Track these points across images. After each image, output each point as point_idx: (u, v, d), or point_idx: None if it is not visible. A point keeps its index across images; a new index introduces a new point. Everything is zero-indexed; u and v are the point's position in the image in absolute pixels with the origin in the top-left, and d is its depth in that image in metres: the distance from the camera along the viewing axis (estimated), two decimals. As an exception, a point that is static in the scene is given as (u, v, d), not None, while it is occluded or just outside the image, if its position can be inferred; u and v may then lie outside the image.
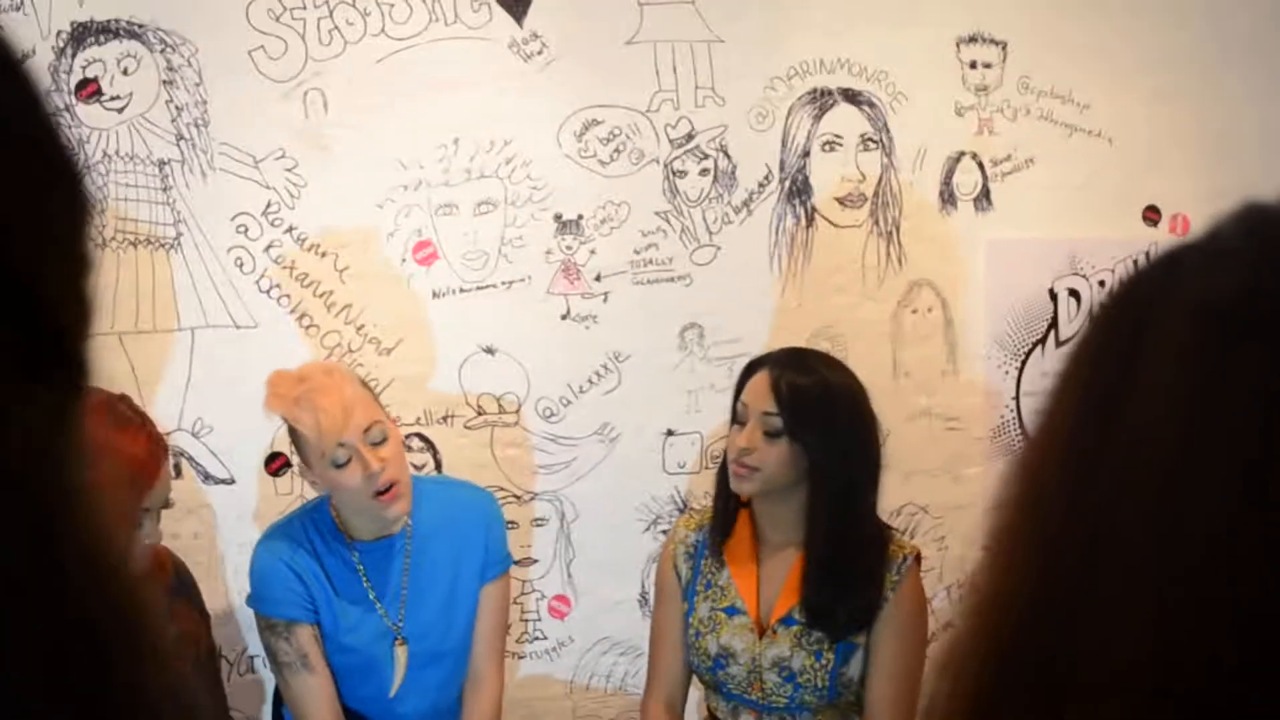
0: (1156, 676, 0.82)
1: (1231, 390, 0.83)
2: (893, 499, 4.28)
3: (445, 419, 4.07)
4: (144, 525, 2.75)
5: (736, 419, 3.20)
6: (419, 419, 4.07)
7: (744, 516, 3.31)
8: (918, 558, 3.26)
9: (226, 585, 3.94)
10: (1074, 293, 4.47)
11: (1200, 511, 0.82)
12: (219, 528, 3.96)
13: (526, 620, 4.21)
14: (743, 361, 3.32)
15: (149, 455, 2.78)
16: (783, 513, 3.21)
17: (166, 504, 2.85)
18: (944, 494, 4.34)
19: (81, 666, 0.73)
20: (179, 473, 3.87)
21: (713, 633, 3.22)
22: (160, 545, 3.03)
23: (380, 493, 3.13)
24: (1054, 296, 4.46)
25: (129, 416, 2.78)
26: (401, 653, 3.30)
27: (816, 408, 3.13)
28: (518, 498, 4.10)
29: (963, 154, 4.42)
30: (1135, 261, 1.00)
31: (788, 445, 3.11)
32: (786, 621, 3.17)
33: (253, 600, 3.29)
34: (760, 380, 3.17)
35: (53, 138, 0.77)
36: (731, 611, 3.23)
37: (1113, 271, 4.45)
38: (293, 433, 3.20)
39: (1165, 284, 0.91)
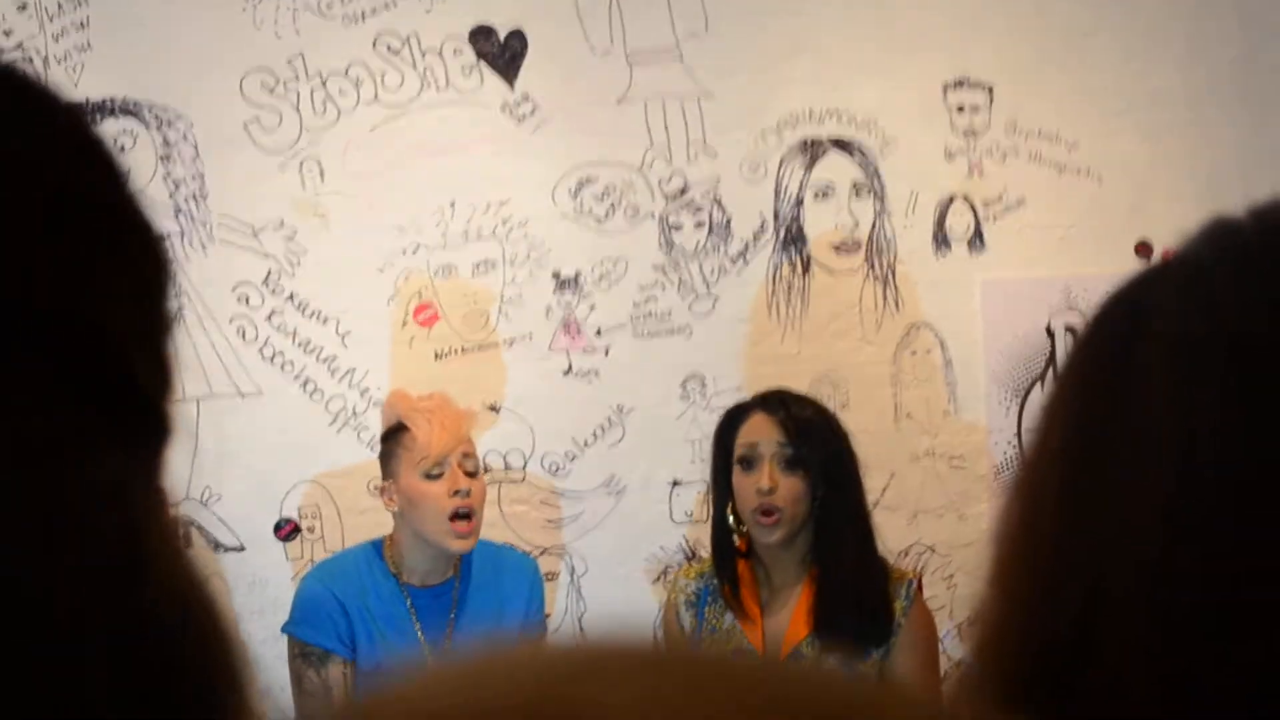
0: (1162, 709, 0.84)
1: (1217, 426, 0.83)
2: (900, 539, 4.29)
3: (452, 479, 4.10)
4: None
5: (742, 464, 3.22)
6: (426, 480, 4.09)
7: (743, 566, 3.33)
8: (919, 583, 3.29)
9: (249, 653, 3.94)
10: (1070, 329, 4.49)
11: (1195, 547, 0.82)
12: (232, 596, 3.97)
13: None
14: (745, 411, 3.35)
15: None
16: (791, 554, 3.24)
17: None
18: (950, 533, 4.35)
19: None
20: (189, 543, 3.89)
21: None
22: None
23: (458, 517, 3.22)
24: (1051, 334, 4.48)
25: None
26: None
27: (823, 437, 3.18)
28: (529, 553, 4.12)
29: (954, 197, 4.45)
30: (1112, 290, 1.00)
31: (802, 479, 3.14)
32: (795, 657, 3.18)
33: (291, 624, 3.32)
34: (761, 420, 3.20)
35: (131, 202, 0.79)
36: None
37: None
38: (390, 442, 3.32)
39: (1139, 317, 0.91)
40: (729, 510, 3.30)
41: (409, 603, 3.33)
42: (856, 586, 3.18)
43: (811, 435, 3.18)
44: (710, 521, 3.42)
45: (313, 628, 3.27)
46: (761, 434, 3.19)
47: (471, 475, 3.30)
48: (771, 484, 3.15)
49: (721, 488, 3.32)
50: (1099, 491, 0.88)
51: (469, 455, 3.32)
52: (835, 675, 0.49)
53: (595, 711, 0.45)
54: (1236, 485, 0.82)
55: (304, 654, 3.27)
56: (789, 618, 3.23)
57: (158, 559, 0.74)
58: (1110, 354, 0.92)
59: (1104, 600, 0.85)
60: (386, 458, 3.35)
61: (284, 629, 3.34)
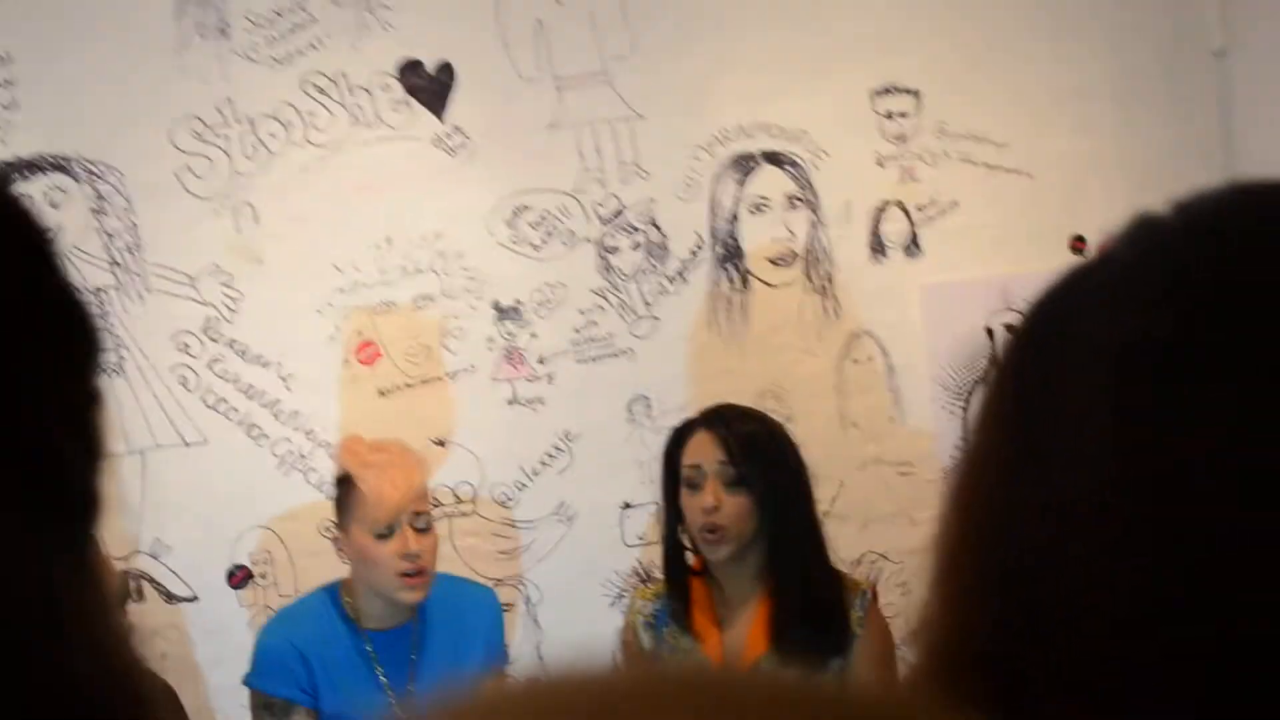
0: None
1: (1143, 435, 0.83)
2: (852, 548, 4.30)
3: (403, 514, 4.10)
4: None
5: (687, 485, 3.24)
6: (377, 517, 4.09)
7: (697, 584, 3.35)
8: (874, 592, 3.31)
9: (200, 702, 3.94)
10: (1009, 328, 4.51)
11: (1120, 551, 0.82)
12: (189, 645, 3.97)
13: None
14: (690, 429, 3.37)
15: None
16: (743, 570, 3.25)
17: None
18: (902, 539, 4.36)
19: None
20: (141, 595, 3.89)
21: None
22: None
23: (408, 575, 3.21)
24: (991, 334, 4.51)
25: None
26: None
27: (767, 451, 3.20)
28: (485, 586, 4.13)
29: (888, 203, 4.47)
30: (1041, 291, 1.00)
31: (747, 495, 3.15)
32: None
33: (252, 676, 3.31)
34: (703, 439, 3.22)
35: (52, 276, 0.80)
36: (700, 674, 3.25)
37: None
38: (343, 493, 3.30)
39: (1067, 319, 0.91)
40: (680, 529, 3.32)
41: (369, 647, 3.32)
42: (810, 599, 3.20)
43: (754, 451, 3.20)
44: (662, 541, 3.43)
45: (273, 679, 3.26)
46: (704, 454, 3.21)
47: (423, 531, 3.29)
48: (715, 503, 3.16)
49: (671, 507, 3.34)
50: (1028, 495, 0.88)
51: (420, 513, 3.30)
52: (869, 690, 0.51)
53: None
54: (1163, 488, 0.82)
55: (266, 705, 3.27)
56: (746, 633, 3.25)
57: (79, 629, 0.76)
58: (1039, 357, 0.93)
59: (1030, 605, 0.86)
60: (339, 508, 3.34)
61: (245, 681, 3.33)
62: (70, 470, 0.79)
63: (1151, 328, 0.86)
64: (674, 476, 3.31)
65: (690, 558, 3.37)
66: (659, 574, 3.79)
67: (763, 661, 3.18)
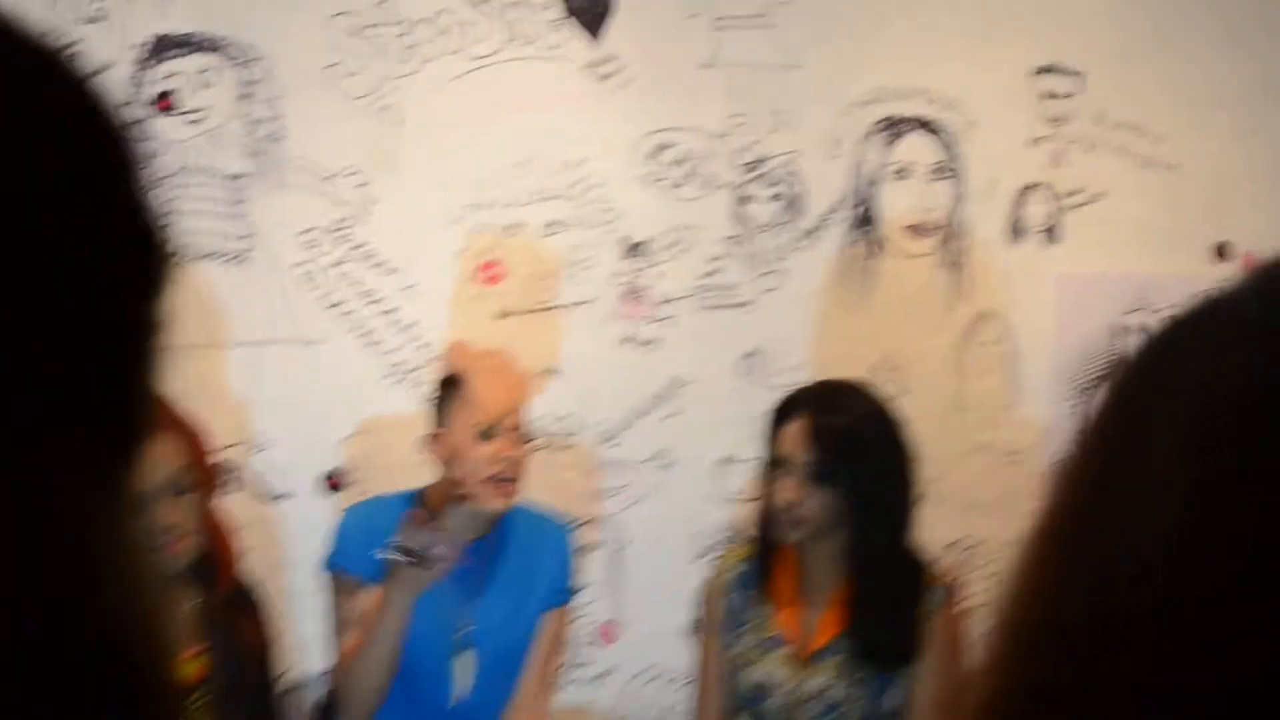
0: None
1: (1231, 480, 0.80)
2: (949, 532, 4.28)
3: (504, 438, 4.10)
4: (150, 508, 2.81)
5: (777, 466, 3.21)
6: (478, 436, 4.10)
7: (784, 553, 3.33)
8: (951, 590, 3.28)
9: (287, 603, 3.98)
10: (1142, 329, 4.43)
11: (1198, 598, 0.80)
12: (277, 543, 4.01)
13: (572, 646, 4.24)
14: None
15: None
16: (825, 552, 3.23)
17: (177, 478, 2.89)
18: (1001, 529, 4.32)
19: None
20: (238, 487, 3.92)
21: (754, 664, 3.25)
22: (231, 558, 3.13)
23: (499, 480, 3.23)
24: (1122, 332, 4.43)
25: None
26: (462, 658, 3.35)
27: (855, 449, 3.15)
28: (565, 520, 4.12)
29: (1035, 185, 4.39)
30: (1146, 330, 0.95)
31: (831, 490, 3.13)
32: (827, 652, 3.20)
33: (328, 555, 3.35)
34: (796, 429, 3.17)
35: (134, 196, 0.78)
36: (773, 644, 3.26)
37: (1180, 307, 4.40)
38: (444, 394, 3.32)
39: (1170, 360, 0.88)
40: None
41: None
42: (886, 595, 3.19)
43: (847, 449, 3.14)
44: (759, 505, 3.41)
45: (348, 557, 3.31)
46: (794, 446, 3.16)
47: (521, 444, 3.31)
48: (796, 498, 3.14)
49: (769, 475, 3.32)
50: (1101, 548, 0.86)
51: (519, 425, 3.32)
52: None
53: None
54: (1240, 533, 0.79)
55: (340, 583, 3.31)
56: (821, 614, 3.24)
57: (109, 568, 0.76)
58: (1128, 411, 0.90)
59: (1106, 637, 0.84)
60: (439, 407, 3.35)
61: (322, 564, 3.38)
62: (121, 399, 0.78)
63: (1254, 379, 0.82)
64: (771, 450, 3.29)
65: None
66: (751, 532, 3.78)
67: (832, 644, 3.19)
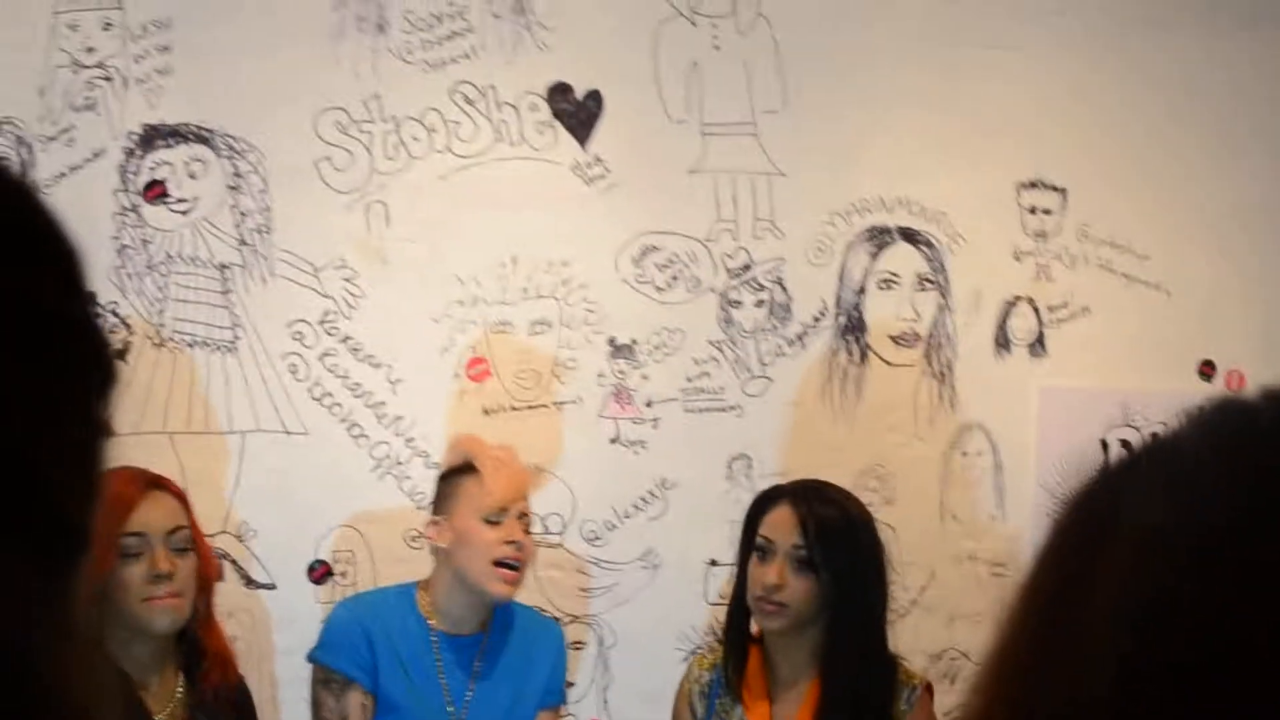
0: None
1: (1170, 626, 0.80)
2: (935, 642, 4.24)
3: (490, 536, 4.07)
4: (143, 553, 2.88)
5: (759, 553, 3.20)
6: (463, 535, 4.06)
7: (755, 652, 3.32)
8: (928, 687, 3.28)
9: (264, 691, 3.90)
10: (1125, 444, 4.44)
11: None
12: (259, 632, 3.95)
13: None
14: (789, 496, 3.32)
15: (130, 480, 2.94)
16: (799, 646, 3.24)
17: (175, 533, 2.96)
18: (986, 640, 4.28)
19: None
20: (220, 576, 3.86)
21: None
22: (228, 649, 3.19)
23: (505, 566, 3.25)
24: (1106, 446, 4.43)
25: (124, 467, 2.93)
26: None
27: (843, 540, 3.19)
28: (557, 620, 4.07)
29: (1019, 299, 4.41)
30: (1096, 467, 0.96)
31: (814, 579, 3.12)
32: None
33: (316, 649, 3.33)
34: (783, 514, 3.20)
35: (76, 306, 0.77)
36: (745, 745, 3.24)
37: (1164, 424, 4.41)
38: (449, 483, 3.36)
39: (1117, 503, 0.87)
40: (746, 594, 3.29)
41: (436, 648, 3.33)
42: (855, 694, 3.17)
43: (831, 538, 3.18)
44: (728, 603, 3.39)
45: (337, 654, 3.30)
46: (780, 530, 3.20)
47: (526, 533, 3.34)
48: (780, 582, 3.15)
49: (742, 570, 3.32)
50: (1055, 664, 0.86)
51: (526, 514, 3.36)
52: None
53: None
54: (1186, 672, 0.79)
55: (326, 680, 3.32)
56: (794, 711, 3.24)
57: (47, 670, 0.74)
58: (1083, 539, 0.89)
59: None
60: (443, 496, 3.38)
61: (309, 655, 3.36)
62: (63, 506, 0.76)
63: (1203, 518, 0.82)
64: (750, 541, 3.28)
65: (754, 625, 3.34)
66: (723, 632, 3.76)
67: None
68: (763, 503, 3.30)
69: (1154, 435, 0.92)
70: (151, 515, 2.92)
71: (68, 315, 0.76)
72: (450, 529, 3.31)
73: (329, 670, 3.29)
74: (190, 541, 3.00)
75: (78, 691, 0.76)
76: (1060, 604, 0.87)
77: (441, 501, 3.37)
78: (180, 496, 3.06)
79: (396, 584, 3.52)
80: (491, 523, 3.26)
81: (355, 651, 3.28)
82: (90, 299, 0.78)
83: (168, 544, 2.92)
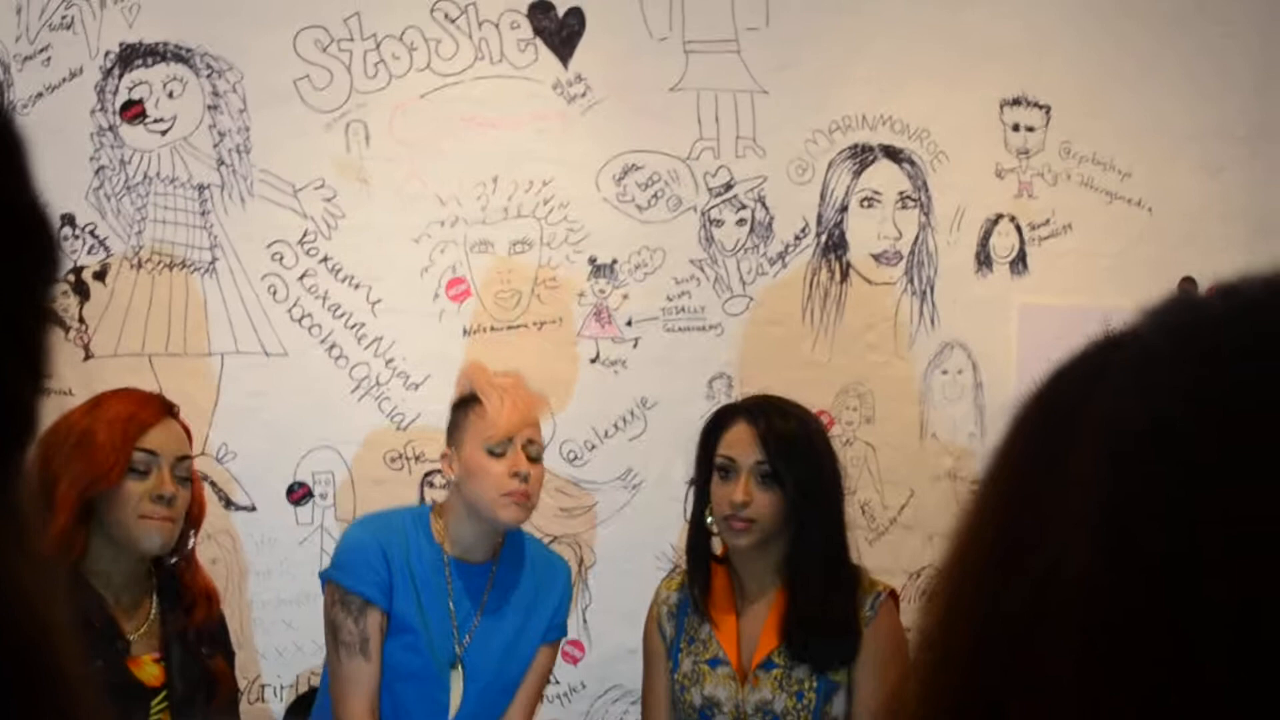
0: None
1: (1137, 525, 0.80)
2: (914, 559, 4.27)
3: (470, 457, 4.08)
4: (150, 472, 2.90)
5: (721, 472, 3.22)
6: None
7: (719, 570, 3.35)
8: (893, 594, 3.30)
9: (243, 612, 3.93)
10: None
11: (1114, 622, 0.80)
12: (238, 554, 3.97)
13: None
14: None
15: (148, 401, 2.99)
16: (764, 560, 3.25)
17: (182, 461, 2.99)
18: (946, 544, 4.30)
19: None
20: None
21: (696, 685, 3.26)
22: (212, 586, 3.18)
23: (511, 495, 3.22)
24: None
25: (140, 390, 3.04)
26: (458, 677, 3.33)
27: (803, 451, 3.20)
28: (564, 560, 4.09)
29: (1001, 216, 4.41)
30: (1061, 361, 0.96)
31: (778, 491, 3.14)
32: (767, 665, 3.20)
33: (333, 570, 3.30)
34: (742, 431, 3.21)
35: (15, 191, 0.77)
36: (714, 663, 3.26)
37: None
38: (459, 414, 3.32)
39: (1080, 398, 0.87)
40: (707, 514, 3.31)
41: (447, 573, 3.34)
42: (822, 603, 3.19)
43: (790, 451, 3.19)
44: (688, 524, 3.41)
45: (355, 576, 3.26)
46: (740, 448, 3.21)
47: (534, 461, 3.31)
48: (746, 498, 3.16)
49: (701, 491, 3.33)
50: (1016, 567, 0.85)
51: (534, 441, 3.32)
52: None
53: None
54: (1151, 553, 0.79)
55: (343, 601, 3.26)
56: (760, 625, 3.26)
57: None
58: (1045, 432, 0.90)
59: (1026, 655, 0.83)
60: (453, 426, 3.36)
61: (324, 574, 3.33)
62: (8, 392, 0.77)
63: (1162, 418, 0.81)
64: (708, 461, 3.30)
65: (716, 544, 3.36)
66: (687, 554, 3.79)
67: (774, 656, 3.20)
68: (717, 423, 3.31)
69: (1110, 330, 0.92)
70: (166, 438, 2.95)
71: (10, 202, 0.76)
72: (458, 460, 3.31)
73: (347, 592, 3.26)
74: (190, 475, 3.02)
75: (27, 578, 0.76)
76: (1028, 495, 0.87)
77: (451, 433, 3.36)
78: (188, 430, 3.09)
79: (409, 506, 3.51)
80: (496, 454, 3.25)
81: (374, 572, 3.25)
82: (34, 186, 0.77)
83: (174, 470, 2.94)
